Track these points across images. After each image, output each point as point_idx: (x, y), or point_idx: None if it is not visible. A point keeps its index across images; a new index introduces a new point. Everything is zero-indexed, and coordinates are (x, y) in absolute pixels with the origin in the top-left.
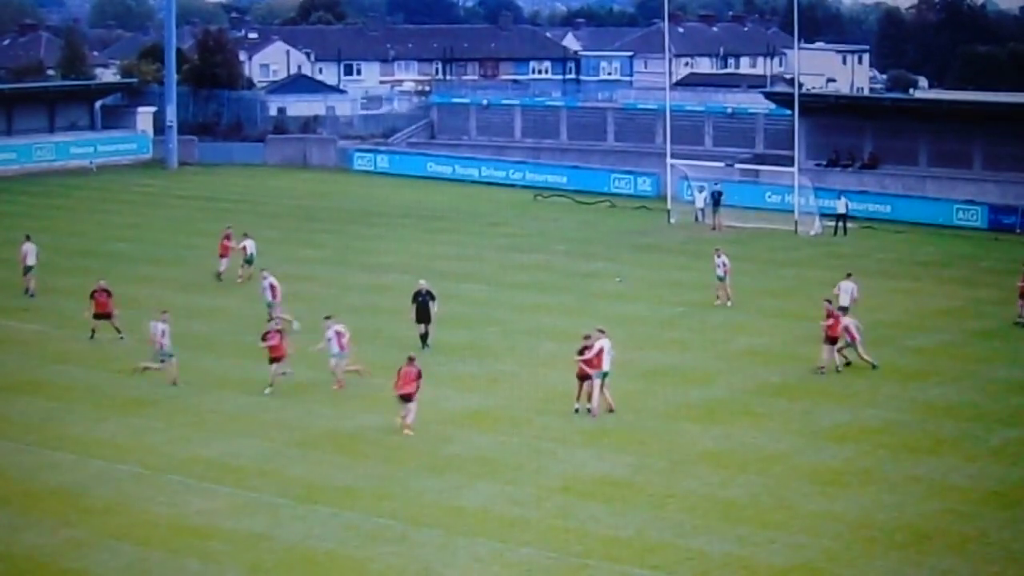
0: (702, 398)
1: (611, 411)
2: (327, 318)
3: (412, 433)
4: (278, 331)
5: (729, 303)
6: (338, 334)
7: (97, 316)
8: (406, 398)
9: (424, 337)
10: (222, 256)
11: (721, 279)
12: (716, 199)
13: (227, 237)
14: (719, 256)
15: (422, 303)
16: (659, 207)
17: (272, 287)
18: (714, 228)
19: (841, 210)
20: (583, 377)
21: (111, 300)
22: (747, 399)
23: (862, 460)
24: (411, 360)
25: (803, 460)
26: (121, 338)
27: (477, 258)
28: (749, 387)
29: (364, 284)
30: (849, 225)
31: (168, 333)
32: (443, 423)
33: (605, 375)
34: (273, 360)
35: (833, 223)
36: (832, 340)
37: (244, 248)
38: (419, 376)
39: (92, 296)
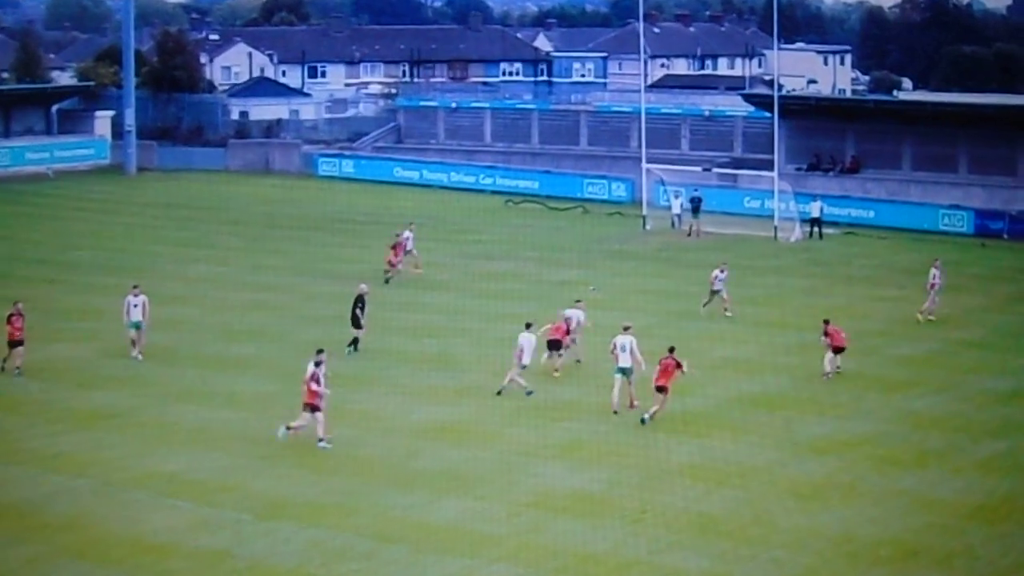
0: (679, 409)
1: (631, 406)
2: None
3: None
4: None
5: (728, 313)
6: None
7: (12, 344)
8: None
9: (354, 343)
10: (394, 263)
11: (716, 292)
12: (695, 205)
13: (396, 247)
14: (722, 272)
15: (353, 306)
16: (634, 213)
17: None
18: (690, 235)
19: (815, 214)
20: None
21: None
22: (725, 410)
23: (844, 473)
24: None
25: (783, 473)
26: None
27: (445, 266)
28: (728, 398)
29: (330, 293)
30: (829, 231)
31: (140, 307)
32: (411, 436)
33: (626, 371)
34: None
35: (809, 228)
36: (838, 350)
37: (403, 243)
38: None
39: (8, 320)
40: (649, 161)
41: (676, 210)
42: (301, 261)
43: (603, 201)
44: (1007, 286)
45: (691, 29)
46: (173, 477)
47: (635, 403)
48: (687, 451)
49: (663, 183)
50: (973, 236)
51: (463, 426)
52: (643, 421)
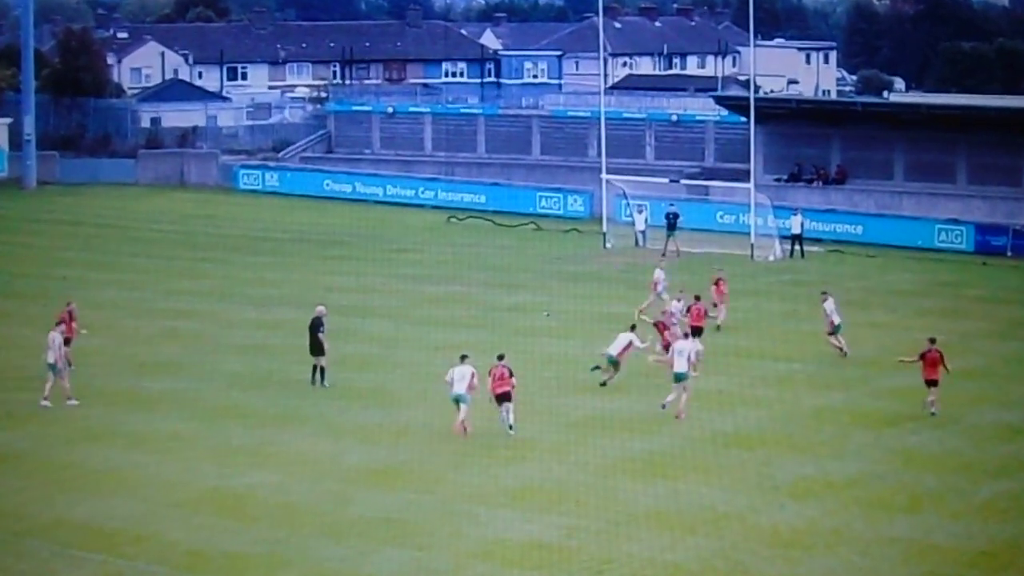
0: (644, 449)
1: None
2: None
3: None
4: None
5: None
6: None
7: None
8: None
9: (319, 372)
10: (717, 305)
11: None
12: (671, 221)
13: (718, 282)
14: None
15: (312, 331)
16: (593, 230)
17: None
18: (664, 254)
19: (796, 230)
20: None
21: None
22: (696, 450)
23: (829, 519)
24: None
25: (761, 520)
26: None
27: (382, 290)
28: (698, 436)
29: (252, 320)
30: (812, 248)
31: (60, 344)
32: (345, 480)
33: (680, 377)
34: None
35: (788, 245)
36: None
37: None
38: None
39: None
40: (610, 172)
41: (640, 226)
42: (220, 285)
43: (558, 217)
44: (1010, 309)
45: (657, 24)
46: (81, 527)
47: (682, 415)
48: (654, 495)
49: (625, 196)
50: (973, 254)
51: (402, 469)
52: (663, 407)
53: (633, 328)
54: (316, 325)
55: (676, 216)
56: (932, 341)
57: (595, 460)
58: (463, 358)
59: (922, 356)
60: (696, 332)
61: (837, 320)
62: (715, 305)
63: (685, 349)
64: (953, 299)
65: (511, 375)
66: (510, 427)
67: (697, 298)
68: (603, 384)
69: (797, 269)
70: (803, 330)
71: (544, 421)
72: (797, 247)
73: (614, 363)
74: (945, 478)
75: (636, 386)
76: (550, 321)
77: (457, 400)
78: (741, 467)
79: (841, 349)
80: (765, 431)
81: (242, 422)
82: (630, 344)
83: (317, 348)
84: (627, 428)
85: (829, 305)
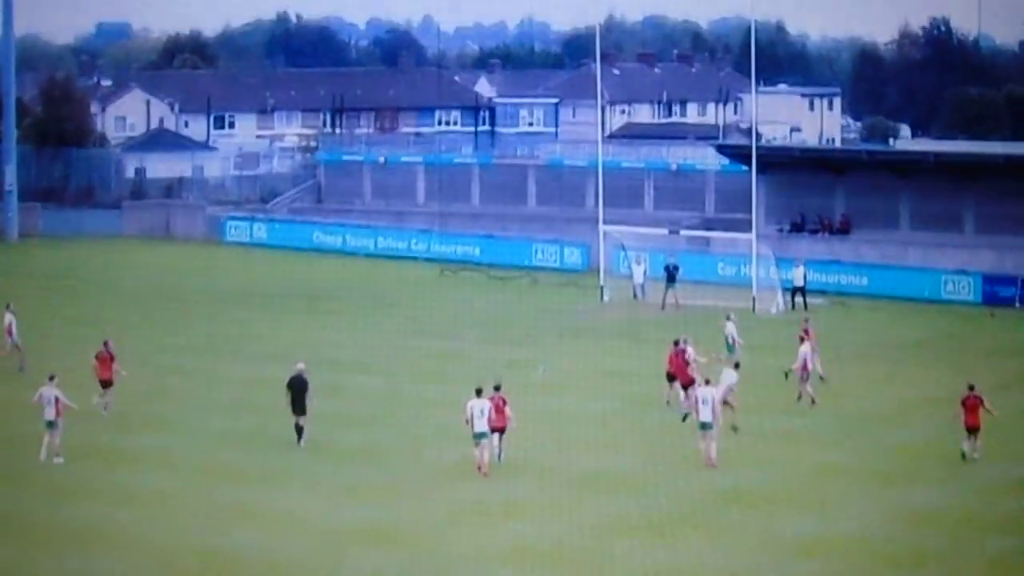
0: (643, 508)
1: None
2: None
3: None
4: None
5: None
6: None
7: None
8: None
9: (299, 431)
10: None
11: (729, 349)
12: (671, 273)
13: (807, 331)
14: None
15: (297, 390)
16: (590, 283)
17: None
18: (663, 307)
19: (798, 282)
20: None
21: None
22: (695, 509)
23: None
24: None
25: None
26: None
27: (373, 345)
28: (698, 494)
29: (239, 377)
30: (816, 300)
31: (55, 400)
32: (335, 540)
33: (706, 425)
34: None
35: (790, 298)
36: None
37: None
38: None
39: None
40: (608, 223)
41: (639, 279)
42: (207, 340)
43: (554, 269)
44: (1019, 362)
45: (656, 70)
46: None
47: (713, 461)
48: (652, 557)
49: (624, 248)
50: (981, 305)
51: (395, 528)
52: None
53: (737, 366)
54: (300, 383)
55: (676, 268)
56: (971, 388)
57: (592, 520)
58: (479, 392)
59: (963, 403)
60: (671, 378)
61: (811, 366)
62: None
63: (709, 397)
64: (960, 352)
65: (505, 404)
66: (499, 457)
67: (676, 343)
68: (735, 429)
69: (799, 322)
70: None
71: (540, 479)
72: (801, 299)
73: (724, 402)
74: (951, 534)
75: (634, 443)
76: (546, 376)
77: (479, 437)
78: (742, 526)
79: (811, 398)
80: (767, 489)
81: (230, 480)
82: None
83: (301, 407)
84: (625, 486)
85: (804, 348)
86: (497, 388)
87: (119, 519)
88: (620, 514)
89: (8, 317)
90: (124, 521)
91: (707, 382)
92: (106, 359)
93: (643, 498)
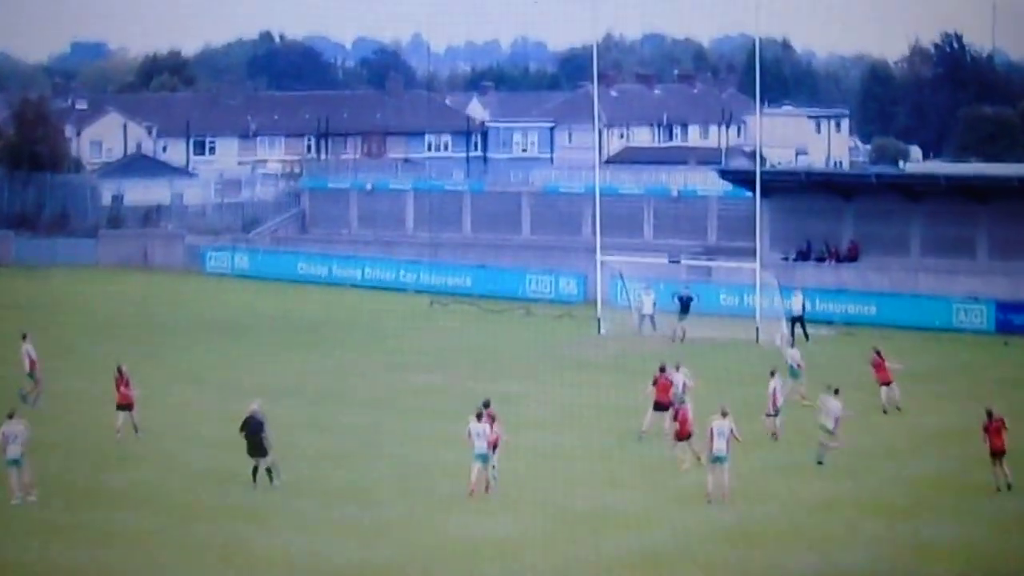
0: (643, 546)
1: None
2: None
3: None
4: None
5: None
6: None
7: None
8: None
9: (267, 472)
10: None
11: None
12: (685, 305)
13: (879, 362)
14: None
15: (253, 432)
16: (587, 314)
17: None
18: (674, 339)
19: (796, 310)
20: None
21: None
22: (697, 546)
23: None
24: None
25: None
26: None
27: (360, 379)
28: (700, 531)
29: (219, 411)
30: (824, 331)
31: (19, 439)
32: None
33: (722, 459)
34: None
35: (788, 329)
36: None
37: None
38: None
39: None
40: (605, 251)
41: (648, 310)
42: (186, 374)
43: (549, 301)
44: None
45: (656, 92)
46: None
47: (725, 495)
48: None
49: (622, 278)
50: (994, 333)
51: (382, 569)
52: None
53: (837, 392)
54: (255, 424)
55: (690, 299)
56: (990, 413)
57: (590, 557)
58: (479, 417)
59: (985, 429)
60: (661, 407)
61: (780, 402)
62: (884, 385)
63: (726, 429)
64: (972, 382)
65: (494, 421)
66: (493, 476)
67: (662, 369)
68: (821, 463)
69: (804, 353)
70: (809, 418)
71: (535, 516)
72: (801, 329)
73: (827, 431)
74: (961, 571)
75: (633, 478)
76: (541, 412)
77: (481, 459)
78: (746, 563)
79: (774, 433)
80: (771, 524)
81: (212, 519)
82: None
83: (258, 449)
84: (625, 523)
85: (776, 383)
86: (486, 405)
87: (97, 559)
88: (619, 552)
89: (26, 348)
90: (103, 561)
91: (724, 414)
92: (121, 384)
93: (644, 535)
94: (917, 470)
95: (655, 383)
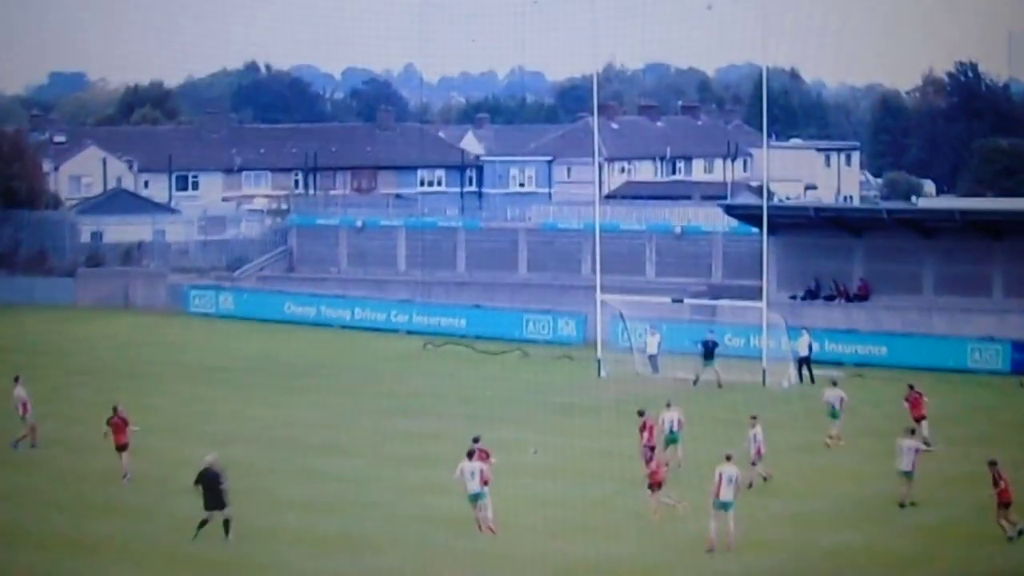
0: None
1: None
2: None
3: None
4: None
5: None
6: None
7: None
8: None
9: (223, 526)
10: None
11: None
12: (709, 350)
13: (915, 397)
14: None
15: (209, 484)
16: (586, 356)
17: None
18: (696, 382)
19: (803, 351)
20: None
21: None
22: None
23: None
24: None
25: None
26: None
27: (350, 425)
28: None
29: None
30: (832, 373)
31: None
32: None
33: (727, 505)
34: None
35: (796, 371)
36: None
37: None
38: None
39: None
40: (605, 291)
41: (652, 350)
42: (169, 420)
43: (547, 342)
44: None
45: (659, 124)
46: None
47: (731, 544)
48: None
49: (623, 319)
50: (1010, 374)
51: None
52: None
53: (913, 433)
54: (212, 477)
55: (715, 344)
56: (992, 464)
57: None
58: (470, 455)
59: (995, 482)
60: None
61: (764, 449)
62: (917, 421)
63: (734, 475)
64: (987, 425)
65: (488, 457)
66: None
67: (641, 413)
68: (903, 505)
69: (813, 396)
70: (819, 464)
71: (531, 567)
72: (807, 371)
73: (907, 475)
74: None
75: (633, 528)
76: (538, 458)
77: (475, 498)
78: None
79: (764, 477)
80: (778, 574)
81: (196, 571)
82: (918, 451)
83: (218, 501)
84: (623, 574)
85: (757, 432)
86: (476, 440)
87: None
88: None
89: (18, 392)
90: None
91: (728, 458)
92: (119, 424)
93: None
94: (929, 517)
95: (642, 429)
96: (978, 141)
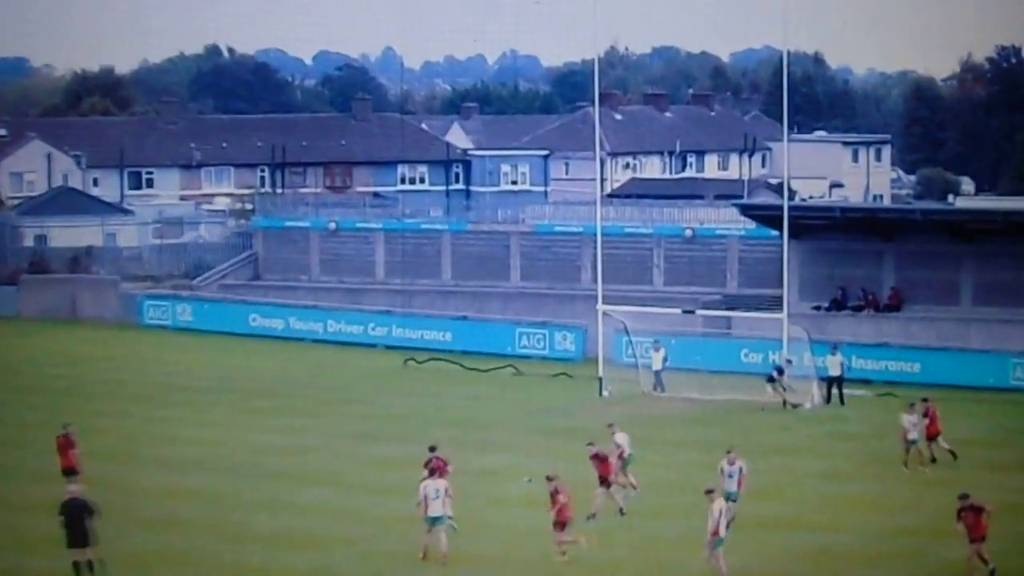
0: None
1: None
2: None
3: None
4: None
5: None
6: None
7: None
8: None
9: (88, 568)
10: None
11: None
12: (779, 372)
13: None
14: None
15: (74, 517)
16: (586, 374)
17: None
18: (793, 405)
19: (834, 371)
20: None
21: None
22: None
23: None
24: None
25: None
26: None
27: (322, 450)
28: None
29: (160, 488)
30: (858, 392)
31: None
32: None
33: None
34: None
35: (824, 390)
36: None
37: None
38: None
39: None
40: (608, 301)
41: (657, 366)
42: (121, 444)
43: (542, 358)
44: None
45: (667, 114)
46: None
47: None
48: None
49: (627, 332)
50: None
51: None
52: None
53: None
54: (76, 508)
55: (789, 362)
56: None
57: None
58: (431, 471)
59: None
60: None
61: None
62: (931, 440)
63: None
64: None
65: (446, 464)
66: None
67: (590, 444)
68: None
69: (839, 418)
70: (846, 493)
71: None
72: (837, 391)
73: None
74: None
75: (636, 562)
76: (532, 487)
77: (433, 522)
78: None
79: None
80: None
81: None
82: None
83: (82, 537)
84: None
85: (621, 438)
86: (432, 449)
87: None
88: None
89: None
90: None
91: (709, 492)
92: (65, 446)
93: None
94: (958, 554)
95: (592, 457)
96: (1020, 134)
